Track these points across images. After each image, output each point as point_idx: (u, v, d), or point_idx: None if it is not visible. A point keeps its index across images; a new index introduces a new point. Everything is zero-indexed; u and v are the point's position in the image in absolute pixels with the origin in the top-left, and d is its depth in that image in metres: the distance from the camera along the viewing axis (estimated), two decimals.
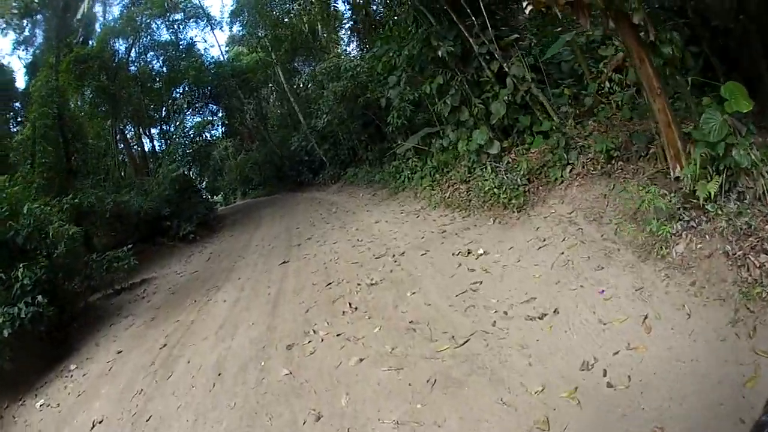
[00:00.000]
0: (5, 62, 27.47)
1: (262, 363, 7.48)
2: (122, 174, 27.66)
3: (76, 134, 23.44)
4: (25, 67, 27.03)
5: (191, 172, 33.70)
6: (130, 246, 17.28)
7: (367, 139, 23.10)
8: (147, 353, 9.38)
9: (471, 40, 11.55)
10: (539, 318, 6.42)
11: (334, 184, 26.19)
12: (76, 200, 17.25)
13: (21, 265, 10.18)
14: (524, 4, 12.40)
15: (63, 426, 7.80)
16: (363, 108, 21.46)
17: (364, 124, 22.46)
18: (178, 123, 30.97)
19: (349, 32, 32.84)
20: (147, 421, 6.99)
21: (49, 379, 9.55)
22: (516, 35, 11.64)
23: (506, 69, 11.07)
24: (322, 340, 7.60)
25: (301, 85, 35.07)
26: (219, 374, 7.56)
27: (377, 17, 24.26)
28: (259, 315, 9.44)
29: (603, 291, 6.38)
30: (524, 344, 5.99)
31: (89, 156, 24.98)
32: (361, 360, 6.67)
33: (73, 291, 14.06)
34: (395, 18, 16.82)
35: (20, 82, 26.90)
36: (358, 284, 9.25)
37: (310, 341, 7.68)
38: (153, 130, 36.64)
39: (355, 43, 32.40)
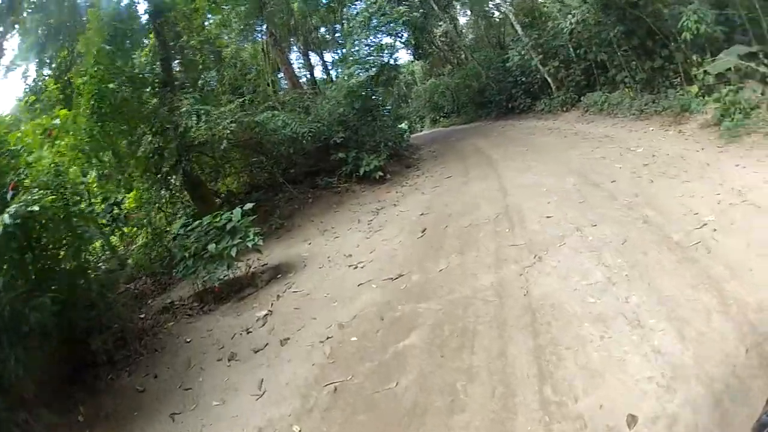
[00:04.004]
0: None
1: None
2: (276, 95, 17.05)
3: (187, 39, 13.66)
4: None
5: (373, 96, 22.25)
6: (250, 206, 7.84)
7: (630, 54, 13.58)
8: None
9: None
10: None
11: (567, 111, 17.27)
12: None
13: None
14: None
15: None
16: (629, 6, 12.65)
17: (627, 33, 13.17)
18: (354, 40, 18.16)
19: None
20: None
21: None
22: None
23: None
24: None
25: None
26: None
27: None
28: None
29: None
30: None
31: (222, 72, 15.95)
32: None
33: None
34: None
35: None
36: None
37: None
38: (327, 56, 26.92)
39: None
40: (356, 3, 18.28)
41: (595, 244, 5.43)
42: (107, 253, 10.74)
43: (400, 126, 22.13)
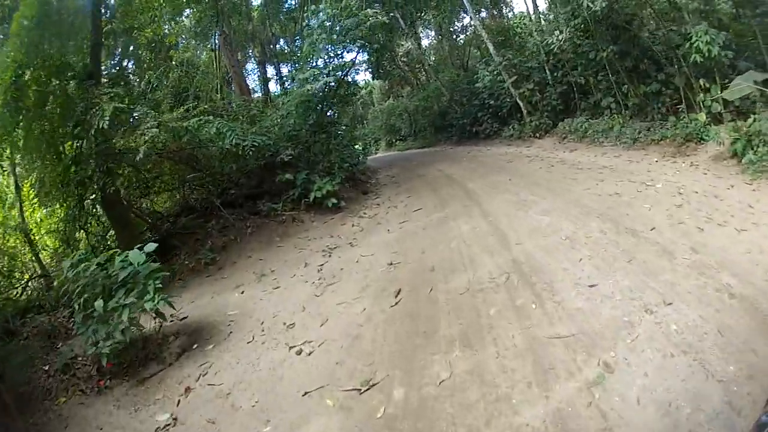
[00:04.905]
0: None
1: None
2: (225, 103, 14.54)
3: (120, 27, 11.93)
4: None
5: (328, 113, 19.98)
6: (153, 247, 5.31)
7: (623, 76, 11.89)
8: None
9: None
10: None
11: (540, 138, 15.36)
12: None
13: None
14: None
15: None
16: (621, 28, 11.60)
17: (621, 53, 11.70)
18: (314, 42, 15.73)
19: None
20: None
21: None
22: None
23: None
24: None
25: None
26: None
27: None
28: None
29: None
30: None
31: (168, 73, 13.67)
32: None
33: None
34: None
35: None
36: None
37: None
38: (284, 69, 23.90)
39: None
40: (319, 13, 15.90)
41: (684, 338, 3.42)
42: (38, 270, 9.33)
43: (355, 147, 20.02)
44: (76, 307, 5.07)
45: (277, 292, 6.26)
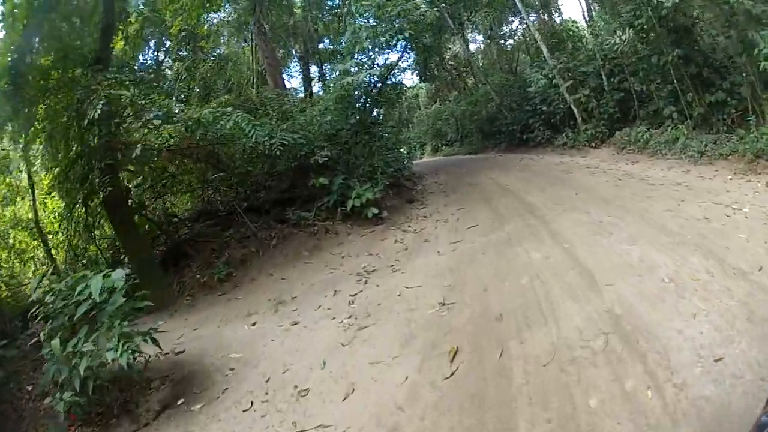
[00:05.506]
0: None
1: None
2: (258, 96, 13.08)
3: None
4: None
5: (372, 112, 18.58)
6: (122, 274, 4.01)
7: (687, 84, 10.48)
8: None
9: None
10: None
11: (596, 148, 14.01)
12: None
13: None
14: None
15: None
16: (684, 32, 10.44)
17: (685, 59, 10.37)
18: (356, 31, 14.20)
19: None
20: None
21: None
22: None
23: None
24: None
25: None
26: None
27: None
28: None
29: None
30: None
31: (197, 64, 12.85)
32: None
33: None
34: None
35: None
36: None
37: None
38: (327, 67, 22.61)
39: None
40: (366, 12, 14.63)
41: None
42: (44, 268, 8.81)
43: (400, 150, 18.74)
44: (42, 337, 4.06)
45: (294, 332, 4.92)
